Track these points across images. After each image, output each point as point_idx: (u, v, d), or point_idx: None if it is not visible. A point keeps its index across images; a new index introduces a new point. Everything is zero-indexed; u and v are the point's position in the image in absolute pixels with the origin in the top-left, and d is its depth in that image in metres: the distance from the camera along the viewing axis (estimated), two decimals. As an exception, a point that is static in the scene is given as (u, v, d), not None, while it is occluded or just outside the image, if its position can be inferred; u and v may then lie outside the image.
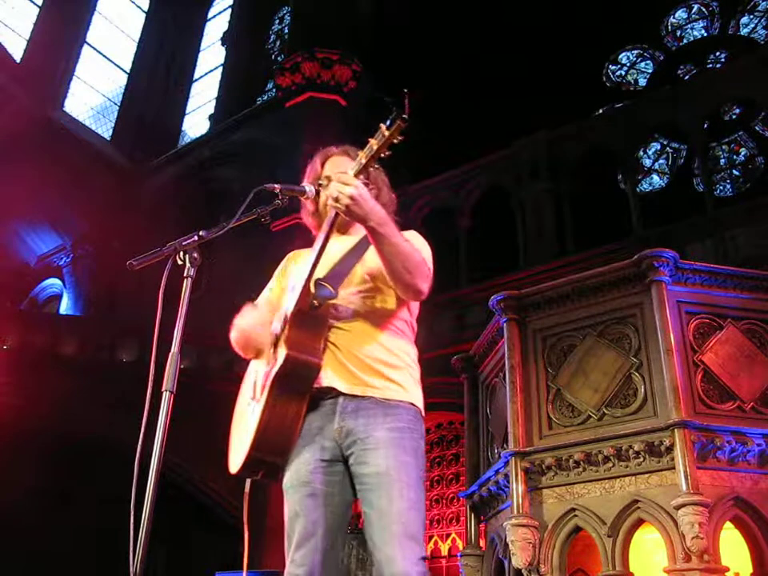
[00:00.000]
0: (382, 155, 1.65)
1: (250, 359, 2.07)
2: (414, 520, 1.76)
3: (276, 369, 1.81)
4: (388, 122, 1.58)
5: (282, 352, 1.81)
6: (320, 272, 1.90)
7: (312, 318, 1.86)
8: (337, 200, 1.69)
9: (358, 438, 1.84)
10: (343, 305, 1.94)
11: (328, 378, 1.87)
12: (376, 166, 1.76)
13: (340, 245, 2.04)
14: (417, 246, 1.92)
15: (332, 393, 1.88)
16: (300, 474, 1.86)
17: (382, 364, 1.91)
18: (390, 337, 1.95)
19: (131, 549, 1.60)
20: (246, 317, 2.02)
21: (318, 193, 2.05)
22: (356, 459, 1.84)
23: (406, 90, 1.61)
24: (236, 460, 1.90)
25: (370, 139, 1.65)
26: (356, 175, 1.70)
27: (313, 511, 1.83)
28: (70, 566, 8.83)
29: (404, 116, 1.57)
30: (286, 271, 2.20)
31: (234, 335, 2.05)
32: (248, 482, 2.03)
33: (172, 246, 1.85)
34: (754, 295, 4.09)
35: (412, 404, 1.92)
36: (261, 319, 2.00)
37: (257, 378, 1.96)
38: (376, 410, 1.85)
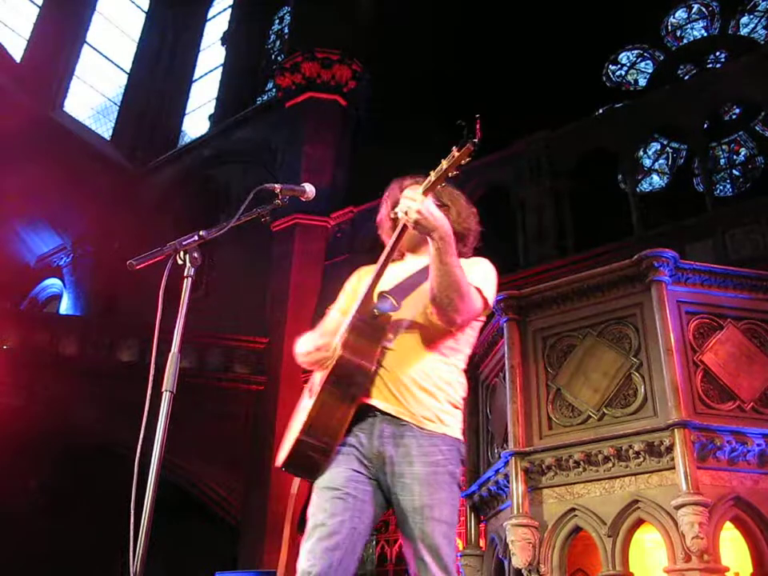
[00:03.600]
0: (450, 175, 1.80)
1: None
2: (446, 552, 1.87)
3: (330, 367, 1.90)
4: (459, 145, 1.74)
5: (337, 354, 1.89)
6: (386, 285, 2.00)
7: (370, 326, 1.92)
8: (406, 213, 1.83)
9: (394, 470, 1.91)
10: (398, 323, 1.99)
11: (371, 395, 1.95)
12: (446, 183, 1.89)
13: (410, 264, 2.13)
14: (475, 276, 2.02)
15: (373, 411, 1.95)
16: (334, 479, 1.92)
17: (422, 391, 1.96)
18: (435, 365, 2.00)
19: (131, 549, 1.60)
20: (312, 340, 2.11)
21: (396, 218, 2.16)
22: (391, 489, 1.92)
23: (478, 116, 1.74)
24: (283, 453, 1.98)
25: (442, 160, 1.80)
26: (425, 192, 1.83)
27: (342, 512, 1.88)
28: (70, 566, 8.83)
29: (474, 140, 1.73)
30: (354, 287, 2.25)
31: (301, 353, 2.13)
32: (295, 484, 2.11)
33: (172, 246, 1.85)
34: (753, 295, 4.08)
35: (447, 435, 1.97)
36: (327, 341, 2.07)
37: (314, 382, 2.04)
38: (412, 440, 1.91)
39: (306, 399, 2.04)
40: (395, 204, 2.15)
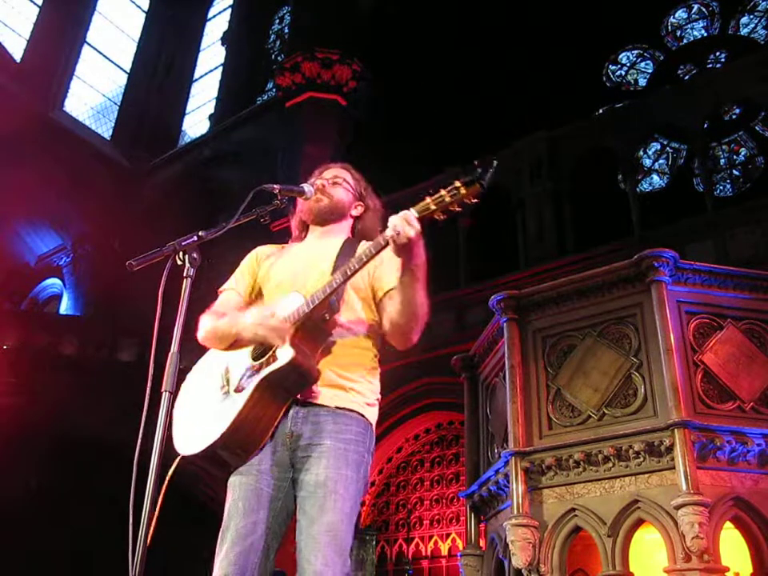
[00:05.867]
0: (450, 209, 1.67)
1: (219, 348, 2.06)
2: (344, 534, 1.77)
3: (275, 366, 1.83)
4: (467, 180, 1.62)
5: (288, 353, 1.81)
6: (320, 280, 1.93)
7: (319, 329, 1.90)
8: (398, 234, 1.71)
9: (304, 444, 1.86)
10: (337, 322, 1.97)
11: None
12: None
13: (323, 248, 2.08)
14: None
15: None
16: (249, 474, 1.87)
17: (337, 376, 1.92)
18: (353, 351, 1.97)
19: (131, 549, 1.60)
20: (218, 316, 2.05)
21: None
22: (299, 465, 1.87)
23: (495, 160, 1.63)
24: (192, 444, 1.90)
25: (441, 189, 1.68)
26: (419, 219, 1.72)
27: (255, 511, 1.83)
28: (70, 566, 8.82)
29: (483, 182, 1.61)
30: (257, 268, 2.19)
31: (207, 328, 2.05)
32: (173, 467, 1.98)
33: (172, 246, 1.85)
34: (754, 295, 4.08)
35: (362, 415, 1.93)
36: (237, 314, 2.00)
37: (230, 366, 1.97)
38: (326, 417, 1.88)
39: (216, 379, 1.95)
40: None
